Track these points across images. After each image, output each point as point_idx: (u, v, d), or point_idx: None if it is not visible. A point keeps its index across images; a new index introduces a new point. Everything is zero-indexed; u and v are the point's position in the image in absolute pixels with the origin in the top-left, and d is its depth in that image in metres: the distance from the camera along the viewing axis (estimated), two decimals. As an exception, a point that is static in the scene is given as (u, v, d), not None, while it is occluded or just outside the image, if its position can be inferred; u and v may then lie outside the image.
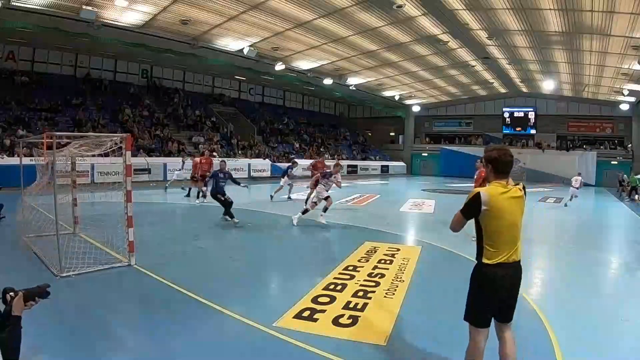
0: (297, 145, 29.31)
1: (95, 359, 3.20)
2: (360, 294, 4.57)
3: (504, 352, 2.66)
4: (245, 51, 19.02)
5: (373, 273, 5.35)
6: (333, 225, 9.40)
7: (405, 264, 5.83)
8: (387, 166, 33.20)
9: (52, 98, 20.24)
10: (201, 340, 3.50)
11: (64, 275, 4.92)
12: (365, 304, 4.26)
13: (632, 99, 23.57)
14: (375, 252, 6.48)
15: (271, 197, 12.97)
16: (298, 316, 3.93)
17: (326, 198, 8.96)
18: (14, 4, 13.05)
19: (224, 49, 19.28)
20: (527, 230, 9.44)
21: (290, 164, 13.71)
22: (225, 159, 11.52)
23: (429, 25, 16.38)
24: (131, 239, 5.47)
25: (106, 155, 6.17)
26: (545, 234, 9.29)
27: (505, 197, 2.58)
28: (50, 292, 2.24)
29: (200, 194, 12.38)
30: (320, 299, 4.37)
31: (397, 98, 30.82)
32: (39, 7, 13.62)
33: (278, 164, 24.70)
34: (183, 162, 15.07)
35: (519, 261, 2.66)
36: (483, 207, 2.59)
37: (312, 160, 15.65)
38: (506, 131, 32.07)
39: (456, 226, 2.79)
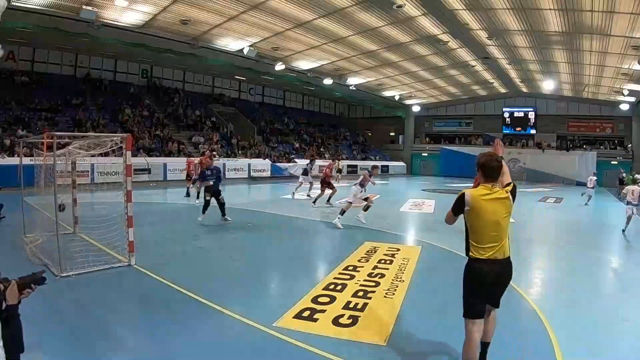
0: (297, 145, 29.30)
1: (95, 359, 3.20)
2: (360, 294, 4.57)
3: (486, 328, 3.04)
4: (245, 51, 19.02)
5: (373, 273, 5.35)
6: (333, 225, 9.40)
7: (405, 264, 5.83)
8: (387, 166, 33.16)
9: (52, 98, 20.24)
10: (201, 340, 3.50)
11: (64, 275, 4.92)
12: (365, 304, 4.26)
13: (632, 99, 23.57)
14: (375, 252, 6.48)
15: (293, 194, 13.37)
16: (298, 316, 3.94)
17: (366, 198, 9.32)
18: (14, 4, 13.05)
19: (224, 49, 19.28)
20: (527, 230, 9.51)
21: (309, 161, 13.68)
22: (213, 155, 11.79)
23: (429, 25, 16.37)
24: (131, 239, 5.47)
25: (106, 155, 6.18)
26: (545, 234, 9.29)
27: (487, 198, 2.82)
28: (46, 277, 2.23)
29: (198, 194, 12.24)
30: (320, 299, 4.37)
31: (397, 98, 30.81)
32: (39, 7, 13.62)
33: (278, 164, 24.73)
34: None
35: (507, 258, 2.86)
36: (466, 207, 2.84)
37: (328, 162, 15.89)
38: (506, 131, 32.05)
39: (449, 220, 3.08)
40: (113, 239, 5.77)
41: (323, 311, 4.05)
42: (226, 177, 15.08)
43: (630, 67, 17.59)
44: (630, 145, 27.22)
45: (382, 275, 5.25)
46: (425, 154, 34.95)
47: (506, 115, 31.81)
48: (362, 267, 5.62)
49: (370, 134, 39.02)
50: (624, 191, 9.33)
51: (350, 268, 5.55)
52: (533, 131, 31.08)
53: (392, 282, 5.00)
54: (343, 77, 25.09)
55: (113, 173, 14.62)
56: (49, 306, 4.01)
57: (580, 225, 10.58)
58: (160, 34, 16.93)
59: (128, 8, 14.44)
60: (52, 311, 3.92)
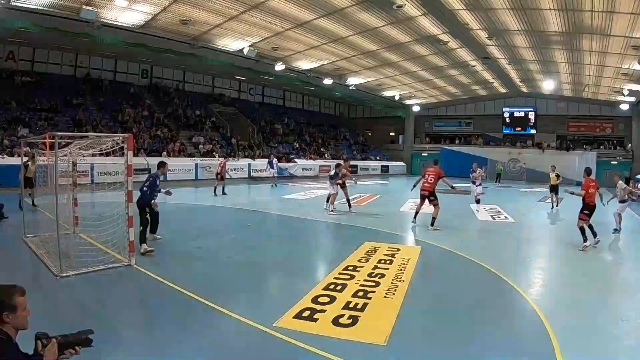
0: (297, 145, 29.30)
1: (95, 359, 3.20)
2: (360, 294, 4.57)
3: None
4: (245, 51, 19.01)
5: (373, 273, 5.36)
6: (333, 225, 9.40)
7: (405, 264, 5.83)
8: (387, 166, 33.16)
9: (52, 98, 20.23)
10: (201, 340, 3.50)
11: (64, 275, 4.92)
12: (365, 304, 4.26)
13: (632, 99, 23.56)
14: (375, 252, 6.48)
15: (326, 208, 11.16)
16: (298, 316, 3.94)
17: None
18: (14, 4, 13.05)
19: (224, 49, 19.27)
20: (527, 230, 9.50)
21: (335, 165, 11.96)
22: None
23: (429, 25, 16.37)
24: (131, 239, 5.47)
25: (107, 155, 6.18)
26: (545, 234, 9.29)
27: None
28: (93, 339, 1.97)
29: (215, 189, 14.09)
30: (320, 299, 4.37)
31: (397, 98, 30.81)
32: (39, 7, 13.61)
33: (279, 164, 24.68)
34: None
35: None
36: None
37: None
38: (506, 131, 32.05)
39: None
40: (113, 239, 5.78)
41: (323, 311, 4.05)
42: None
43: (630, 67, 17.58)
44: (630, 145, 27.21)
45: (382, 275, 5.25)
46: (425, 154, 34.90)
47: (506, 115, 31.79)
48: (362, 267, 5.62)
49: (370, 134, 39.01)
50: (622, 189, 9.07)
51: (350, 268, 5.55)
52: (533, 131, 31.06)
53: (392, 282, 5.00)
54: (343, 77, 25.08)
55: (113, 173, 14.63)
56: (49, 306, 4.02)
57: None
58: (160, 34, 16.92)
59: (128, 8, 14.43)
60: (52, 311, 3.92)
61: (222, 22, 16.12)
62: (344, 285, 4.83)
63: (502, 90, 28.92)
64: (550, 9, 13.53)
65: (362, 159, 32.57)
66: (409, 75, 25.04)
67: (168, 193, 6.92)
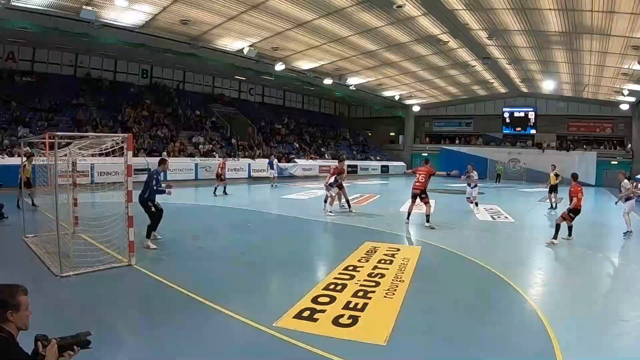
0: (297, 145, 29.29)
1: (95, 359, 3.20)
2: (360, 294, 4.57)
3: None
4: (245, 51, 19.01)
5: (373, 273, 5.36)
6: (333, 225, 9.41)
7: (405, 264, 5.83)
8: (387, 166, 33.15)
9: (52, 98, 20.22)
10: (201, 340, 3.50)
11: (64, 275, 4.92)
12: (365, 304, 4.26)
13: (632, 99, 23.55)
14: (375, 252, 6.48)
15: (324, 209, 10.98)
16: (298, 316, 3.94)
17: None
18: (14, 4, 13.05)
19: (224, 49, 19.26)
20: (527, 230, 9.50)
21: (337, 174, 11.30)
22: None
23: (429, 25, 16.37)
24: (131, 239, 5.47)
25: (107, 155, 6.18)
26: (545, 234, 9.26)
27: None
28: (91, 340, 2.00)
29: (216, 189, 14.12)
30: (320, 299, 4.37)
31: (397, 98, 30.80)
32: (39, 7, 13.61)
33: (280, 164, 24.68)
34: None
35: None
36: None
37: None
38: (506, 131, 32.04)
39: None
40: (113, 239, 5.78)
41: (323, 311, 4.05)
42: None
43: (630, 67, 17.57)
44: (630, 145, 27.21)
45: (382, 275, 5.25)
46: (425, 154, 34.91)
47: (506, 115, 31.78)
48: (362, 267, 5.62)
49: (370, 134, 38.99)
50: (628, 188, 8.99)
51: (350, 268, 5.55)
52: (533, 131, 31.05)
53: (392, 282, 5.00)
54: (343, 77, 25.07)
55: (113, 173, 14.62)
56: (49, 306, 4.01)
57: (580, 225, 10.56)
58: (160, 34, 16.92)
59: (128, 8, 14.42)
60: (52, 311, 3.91)
61: (222, 22, 16.12)
62: (344, 285, 4.83)
63: (502, 90, 28.92)
64: (550, 9, 13.53)
65: (362, 159, 32.56)
66: (409, 75, 25.03)
67: (168, 187, 6.83)
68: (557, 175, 13.21)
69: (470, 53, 20.00)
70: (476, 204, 12.11)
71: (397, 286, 4.87)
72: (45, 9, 13.72)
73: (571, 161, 26.78)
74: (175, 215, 9.63)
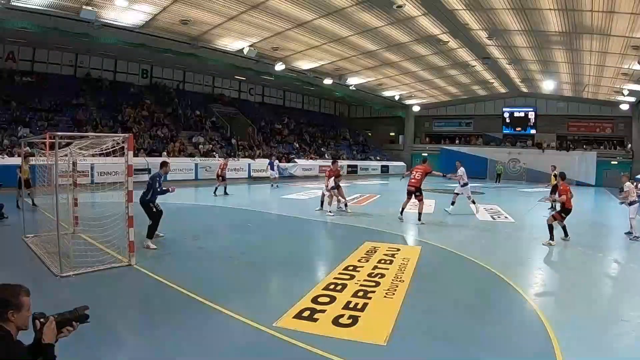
0: (297, 145, 29.29)
1: (95, 359, 3.20)
2: (360, 294, 4.57)
3: None
4: (245, 51, 19.00)
5: (373, 273, 5.35)
6: (333, 225, 9.41)
7: (405, 264, 5.83)
8: (387, 166, 33.15)
9: (52, 98, 20.22)
10: (201, 340, 3.50)
11: (64, 275, 4.92)
12: (365, 304, 4.26)
13: (632, 99, 23.55)
14: (375, 252, 6.48)
15: (323, 209, 11.03)
16: (298, 316, 3.94)
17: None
18: (14, 4, 13.05)
19: (224, 49, 19.26)
20: (527, 230, 9.50)
21: (335, 178, 11.06)
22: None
23: (429, 25, 16.37)
24: (131, 239, 5.47)
25: (107, 155, 6.18)
26: (545, 234, 9.26)
27: None
28: (89, 315, 2.00)
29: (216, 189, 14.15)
30: (320, 299, 4.37)
31: (397, 98, 30.79)
32: (39, 7, 13.61)
33: (280, 164, 24.69)
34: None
35: None
36: None
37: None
38: (506, 131, 32.03)
39: None
40: (113, 239, 5.78)
41: (323, 311, 4.05)
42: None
43: (630, 67, 17.57)
44: (630, 145, 27.20)
45: (382, 275, 5.25)
46: (425, 154, 34.91)
47: (506, 115, 31.78)
48: (362, 267, 5.62)
49: (370, 134, 38.99)
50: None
51: (350, 268, 5.55)
52: (533, 131, 31.04)
53: (392, 282, 5.00)
54: (343, 77, 25.07)
55: (113, 173, 14.62)
56: (49, 306, 4.01)
57: (580, 225, 10.57)
58: (160, 34, 16.92)
59: (128, 8, 14.42)
60: (52, 311, 3.91)
61: (222, 22, 16.12)
62: (344, 285, 4.83)
63: (502, 90, 28.91)
64: (550, 9, 13.52)
65: (362, 159, 32.56)
66: (409, 75, 25.03)
67: (172, 190, 6.90)
68: (556, 176, 13.17)
69: (470, 53, 20.00)
70: (473, 202, 11.63)
71: (397, 286, 4.87)
72: (45, 9, 13.72)
73: (571, 161, 26.80)
74: (175, 215, 9.64)
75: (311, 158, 27.76)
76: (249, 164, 22.90)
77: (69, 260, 5.15)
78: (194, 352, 3.30)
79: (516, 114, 31.49)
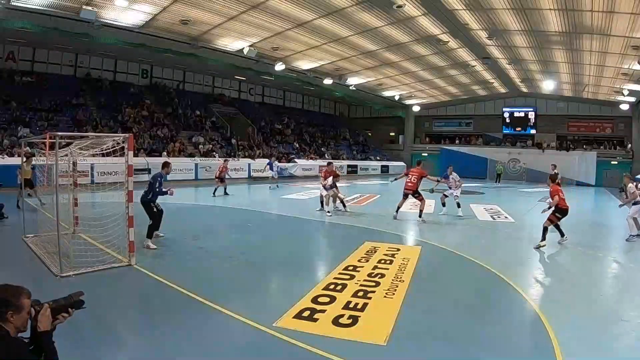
0: (297, 145, 29.29)
1: (95, 359, 3.20)
2: (360, 294, 4.57)
3: None
4: (245, 51, 19.00)
5: (373, 273, 5.35)
6: (333, 225, 9.41)
7: (405, 264, 5.83)
8: (387, 166, 33.15)
9: (52, 98, 20.23)
10: (201, 340, 3.50)
11: (64, 275, 4.92)
12: (365, 304, 4.26)
13: (632, 99, 23.55)
14: (375, 252, 6.48)
15: (323, 210, 10.96)
16: (298, 316, 3.94)
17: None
18: (14, 4, 13.05)
19: (224, 49, 19.26)
20: (527, 230, 9.50)
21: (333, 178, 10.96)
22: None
23: (429, 25, 16.36)
24: (131, 239, 5.47)
25: (107, 155, 6.18)
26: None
27: None
28: (84, 300, 1.99)
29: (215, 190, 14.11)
30: (320, 299, 4.37)
31: (397, 98, 30.79)
32: (39, 7, 13.61)
33: (279, 164, 24.69)
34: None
35: None
36: None
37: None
38: (506, 131, 32.03)
39: None
40: (113, 239, 5.78)
41: (323, 311, 4.05)
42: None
43: (630, 67, 17.57)
44: (630, 145, 27.20)
45: (382, 275, 5.25)
46: (425, 154, 34.91)
47: (506, 115, 31.78)
48: (362, 267, 5.62)
49: (370, 134, 38.99)
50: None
51: (350, 268, 5.55)
52: (533, 131, 31.04)
53: (392, 282, 5.00)
54: (343, 77, 25.07)
55: (113, 173, 14.63)
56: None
57: (580, 225, 10.57)
58: (160, 34, 16.91)
59: (128, 8, 14.42)
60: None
61: (222, 22, 16.11)
62: (344, 285, 4.83)
63: (502, 90, 28.91)
64: (550, 9, 13.52)
65: (362, 159, 32.57)
66: (409, 75, 25.03)
67: (171, 193, 6.93)
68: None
69: (470, 53, 20.00)
70: (458, 204, 10.87)
71: (397, 286, 4.87)
72: (45, 9, 13.72)
73: (571, 161, 26.82)
74: (175, 215, 9.64)
75: (311, 158, 27.76)
76: (249, 164, 22.91)
77: (69, 260, 5.15)
78: (194, 352, 3.30)
79: (516, 114, 31.49)
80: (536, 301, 4.59)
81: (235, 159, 22.67)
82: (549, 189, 10.09)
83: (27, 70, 21.11)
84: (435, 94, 30.57)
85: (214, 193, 14.07)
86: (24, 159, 9.70)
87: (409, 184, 9.73)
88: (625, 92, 22.01)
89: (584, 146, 28.85)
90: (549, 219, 7.68)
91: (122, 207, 5.57)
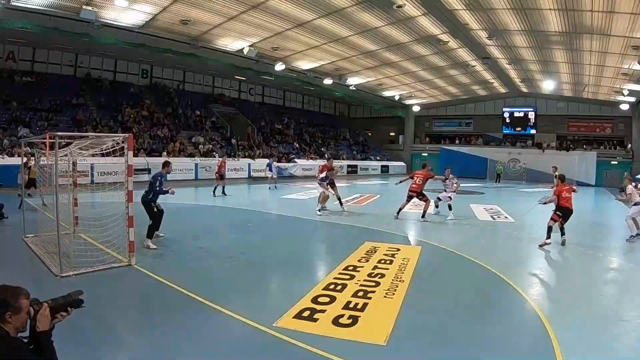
0: (297, 145, 29.29)
1: (95, 359, 3.20)
2: (360, 294, 4.57)
3: None
4: (245, 51, 19.01)
5: (373, 273, 5.35)
6: (333, 225, 9.41)
7: (405, 264, 5.83)
8: (387, 166, 33.16)
9: (52, 98, 20.23)
10: (201, 340, 3.50)
11: (64, 275, 4.92)
12: (365, 304, 4.26)
13: (632, 99, 23.55)
14: (375, 252, 6.48)
15: (326, 209, 10.85)
16: (298, 316, 3.94)
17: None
18: (14, 4, 13.05)
19: (224, 49, 19.27)
20: (527, 230, 9.50)
21: (327, 171, 10.99)
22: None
23: (429, 25, 16.37)
24: (131, 239, 5.47)
25: (107, 155, 6.19)
26: (545, 234, 9.27)
27: None
28: (84, 299, 1.98)
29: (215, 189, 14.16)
30: (320, 299, 4.37)
31: (397, 98, 30.80)
32: (39, 7, 13.61)
33: (279, 164, 24.70)
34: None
35: None
36: None
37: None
38: (506, 131, 32.04)
39: None
40: (113, 239, 5.78)
41: (323, 311, 4.05)
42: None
43: (630, 67, 17.58)
44: (630, 145, 27.20)
45: (382, 275, 5.25)
46: (425, 154, 34.94)
47: (506, 115, 31.79)
48: (362, 267, 5.62)
49: (370, 134, 39.00)
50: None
51: (350, 268, 5.55)
52: (533, 131, 31.05)
53: (392, 282, 5.00)
54: (343, 77, 25.07)
55: (113, 173, 14.63)
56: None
57: (580, 225, 10.58)
58: (160, 34, 16.92)
59: (128, 8, 14.43)
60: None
61: (222, 22, 16.12)
62: (344, 285, 4.82)
63: (502, 90, 28.92)
64: (550, 9, 13.53)
65: (362, 159, 32.56)
66: (409, 75, 25.03)
67: (172, 192, 6.95)
68: (557, 176, 13.11)
69: (470, 53, 20.00)
70: (449, 207, 10.46)
71: (397, 286, 4.87)
72: (45, 9, 13.72)
73: (571, 161, 26.79)
74: (175, 215, 9.63)
75: (311, 158, 27.75)
76: (249, 164, 22.91)
77: (69, 260, 5.15)
78: (194, 352, 3.30)
79: (516, 114, 31.51)
80: (536, 301, 4.58)
81: (235, 159, 22.66)
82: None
83: (27, 70, 21.12)
84: (435, 94, 30.57)
85: (213, 192, 14.06)
86: (32, 161, 9.71)
87: (414, 186, 9.79)
88: (625, 92, 22.02)
89: (584, 146, 28.86)
90: (551, 219, 7.70)
91: (122, 207, 5.57)
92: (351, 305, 4.21)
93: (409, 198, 9.84)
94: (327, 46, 19.31)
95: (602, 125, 29.14)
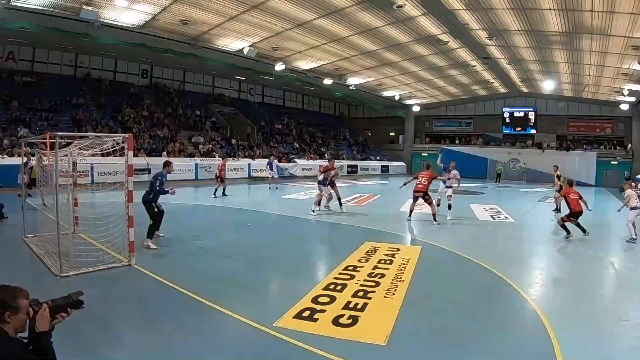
0: (297, 145, 29.29)
1: (95, 359, 3.20)
2: (360, 294, 4.57)
3: None
4: (245, 51, 19.00)
5: (373, 273, 5.35)
6: (333, 225, 9.41)
7: (405, 264, 5.83)
8: (387, 166, 33.16)
9: (52, 98, 20.22)
10: (201, 340, 3.51)
11: (64, 275, 4.92)
12: (365, 304, 4.26)
13: (632, 99, 23.56)
14: (375, 252, 6.48)
15: (328, 209, 11.00)
16: (298, 316, 3.94)
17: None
18: (14, 4, 13.05)
19: (224, 49, 19.26)
20: (527, 230, 9.50)
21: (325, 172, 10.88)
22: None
23: (429, 25, 16.37)
24: (131, 239, 5.47)
25: (107, 155, 6.19)
26: (545, 234, 9.29)
27: None
28: (84, 300, 1.98)
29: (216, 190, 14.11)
30: (320, 299, 4.37)
31: (397, 98, 30.80)
32: (39, 7, 13.60)
33: (279, 164, 24.69)
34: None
35: None
36: None
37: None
38: (506, 131, 32.04)
39: None
40: (113, 239, 5.78)
41: (323, 311, 4.05)
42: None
43: (630, 67, 17.57)
44: (630, 145, 27.20)
45: (382, 275, 5.25)
46: (425, 154, 34.93)
47: (506, 115, 31.78)
48: (362, 267, 5.62)
49: (370, 134, 38.99)
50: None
51: (350, 268, 5.55)
52: (533, 131, 31.05)
53: (392, 282, 5.00)
54: (343, 77, 25.07)
55: (113, 173, 14.63)
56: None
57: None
58: (160, 34, 16.91)
59: (128, 8, 14.42)
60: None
61: (222, 22, 16.11)
62: (344, 285, 4.83)
63: (502, 90, 28.92)
64: (550, 9, 13.52)
65: (362, 159, 32.56)
66: (409, 75, 25.03)
67: (172, 192, 6.95)
68: (558, 176, 13.17)
69: (470, 53, 20.00)
70: (449, 207, 10.34)
71: (397, 286, 4.87)
72: (45, 9, 13.72)
73: (571, 161, 26.79)
74: (175, 215, 9.63)
75: (311, 158, 27.75)
76: (249, 164, 22.91)
77: (69, 260, 5.15)
78: (194, 352, 3.30)
79: (516, 114, 31.50)
80: (536, 301, 4.58)
81: (235, 159, 22.65)
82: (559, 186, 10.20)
83: (27, 70, 21.10)
84: (435, 94, 30.57)
85: (214, 193, 14.05)
86: (33, 160, 9.71)
87: (419, 186, 9.70)
88: (625, 92, 22.01)
89: (584, 146, 28.85)
90: (561, 219, 8.17)
91: (122, 207, 5.57)
92: (351, 305, 4.21)
93: (415, 199, 9.79)
94: (327, 46, 19.31)
95: (602, 125, 29.14)
